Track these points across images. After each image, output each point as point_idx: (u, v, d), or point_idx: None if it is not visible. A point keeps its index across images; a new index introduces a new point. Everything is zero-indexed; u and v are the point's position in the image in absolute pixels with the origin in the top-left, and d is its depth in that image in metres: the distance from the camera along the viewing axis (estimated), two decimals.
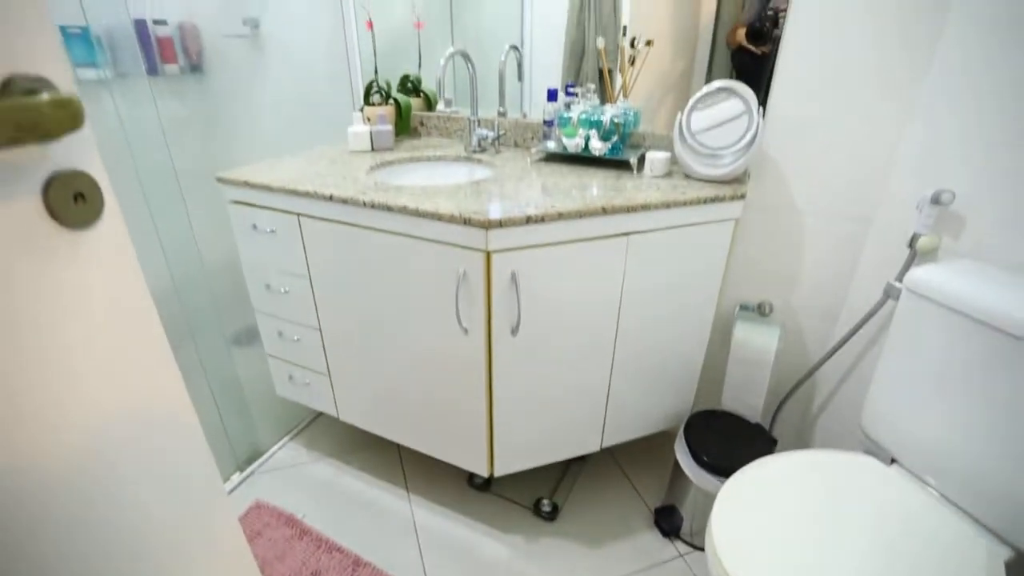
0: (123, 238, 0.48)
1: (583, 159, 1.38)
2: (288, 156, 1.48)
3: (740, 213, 1.17)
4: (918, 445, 0.97)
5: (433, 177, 1.46)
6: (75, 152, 0.43)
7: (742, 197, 1.14)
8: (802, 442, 1.51)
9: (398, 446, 1.68)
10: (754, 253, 1.37)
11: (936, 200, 1.03)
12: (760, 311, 1.40)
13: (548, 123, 1.42)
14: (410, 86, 1.69)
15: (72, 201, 0.42)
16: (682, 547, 1.36)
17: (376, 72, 1.63)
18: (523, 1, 1.46)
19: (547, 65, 1.48)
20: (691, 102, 1.21)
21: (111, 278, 0.47)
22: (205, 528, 0.62)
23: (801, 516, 0.89)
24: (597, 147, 1.30)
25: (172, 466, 0.56)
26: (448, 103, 1.45)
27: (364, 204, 1.09)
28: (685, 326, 1.28)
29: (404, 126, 1.66)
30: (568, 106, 1.38)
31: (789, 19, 1.14)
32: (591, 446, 1.35)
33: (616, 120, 1.29)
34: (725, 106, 1.17)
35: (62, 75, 0.41)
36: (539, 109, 1.52)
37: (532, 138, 1.56)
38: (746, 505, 0.92)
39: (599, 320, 1.17)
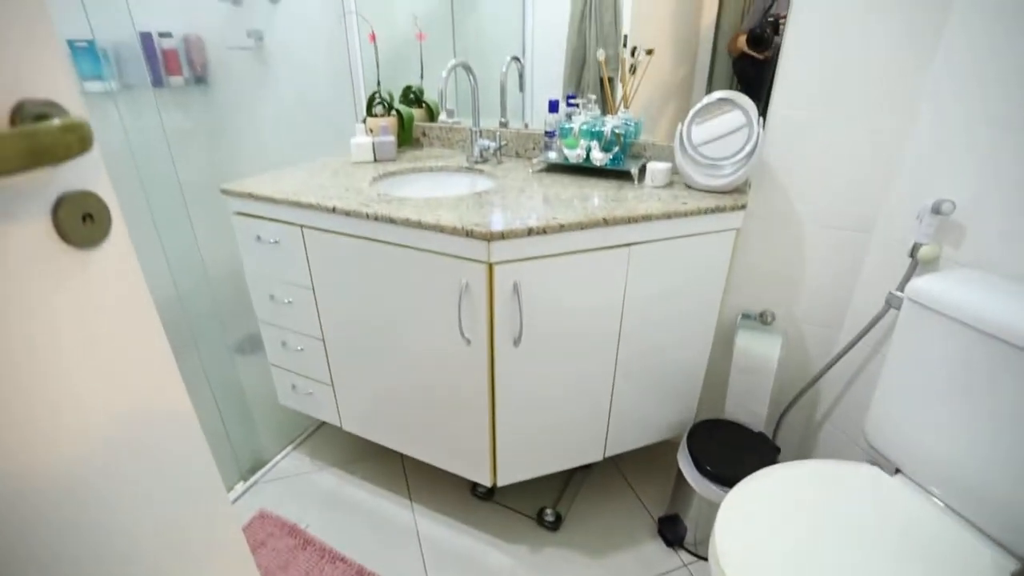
0: (129, 256, 0.49)
1: (584, 169, 1.39)
2: (291, 167, 1.49)
3: (741, 223, 1.17)
4: (922, 455, 0.97)
5: (435, 188, 1.47)
6: (84, 173, 0.43)
7: (743, 207, 1.14)
8: (805, 451, 1.51)
9: (401, 455, 1.68)
10: (755, 262, 1.37)
11: (937, 210, 1.03)
12: (762, 320, 1.40)
13: (549, 134, 1.43)
14: (412, 97, 1.70)
15: (81, 221, 0.43)
16: (686, 557, 1.36)
17: (379, 83, 1.64)
18: (524, 12, 1.47)
19: (548, 75, 1.49)
20: (691, 113, 1.21)
21: (117, 295, 0.48)
22: (208, 538, 0.62)
23: (805, 527, 0.89)
24: (598, 158, 1.30)
25: (175, 476, 0.56)
26: (450, 114, 1.47)
27: (367, 216, 1.10)
28: (687, 335, 1.28)
29: (406, 137, 1.67)
30: (569, 117, 1.39)
31: (789, 27, 1.14)
32: (594, 455, 1.35)
33: (617, 131, 1.29)
34: (725, 119, 1.18)
35: (71, 98, 0.42)
36: (540, 119, 1.53)
37: (533, 148, 1.57)
38: (750, 515, 0.92)
39: (601, 330, 1.17)
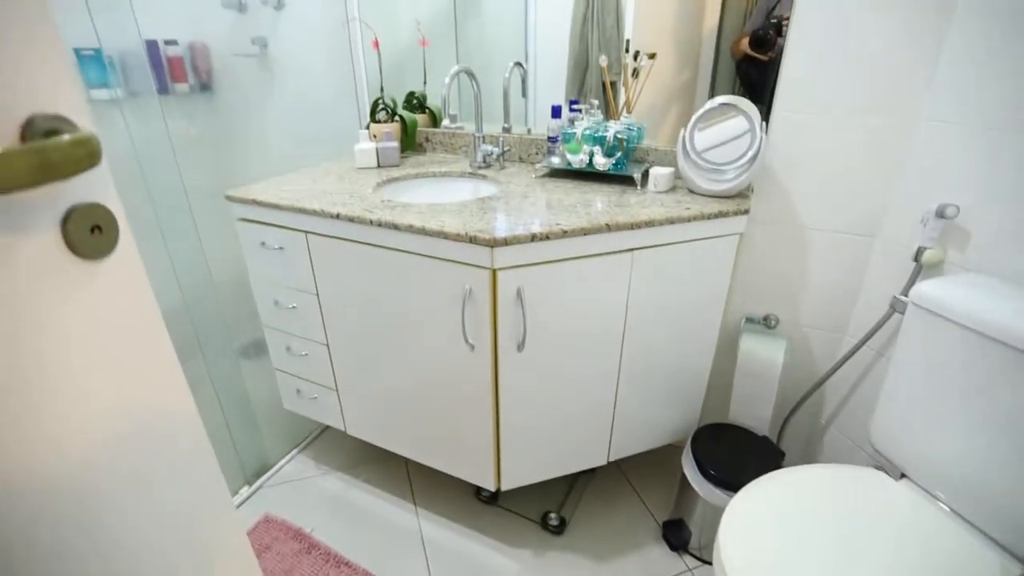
0: (136, 265, 0.49)
1: (587, 174, 1.39)
2: (295, 173, 1.50)
3: (744, 228, 1.17)
4: (928, 460, 0.97)
5: (439, 193, 1.48)
6: (92, 185, 0.44)
7: (746, 212, 1.15)
8: (810, 455, 1.50)
9: (405, 460, 1.68)
10: (759, 266, 1.37)
11: (941, 214, 1.03)
12: (766, 323, 1.40)
13: (552, 139, 1.44)
14: (415, 103, 1.71)
15: (89, 233, 0.44)
16: (690, 561, 1.36)
17: (382, 89, 1.65)
18: (527, 17, 1.48)
19: (551, 80, 1.50)
20: (693, 119, 1.22)
21: (124, 304, 0.48)
22: (213, 542, 0.63)
23: (810, 532, 0.89)
24: (601, 163, 1.31)
25: (180, 480, 0.57)
26: (453, 119, 1.47)
27: (371, 222, 1.10)
28: (691, 339, 1.28)
29: (410, 142, 1.68)
30: (572, 122, 1.39)
31: (792, 30, 1.14)
32: (598, 460, 1.35)
33: (620, 136, 1.30)
34: (728, 124, 1.18)
35: (79, 111, 0.42)
36: (543, 124, 1.53)
37: (536, 153, 1.57)
38: (755, 520, 0.92)
39: (604, 335, 1.17)
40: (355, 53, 1.72)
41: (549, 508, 1.48)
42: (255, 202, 1.26)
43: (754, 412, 1.36)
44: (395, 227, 1.08)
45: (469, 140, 1.65)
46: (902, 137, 1.12)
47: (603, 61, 1.37)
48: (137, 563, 0.52)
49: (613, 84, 1.41)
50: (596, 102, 1.42)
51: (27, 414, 0.41)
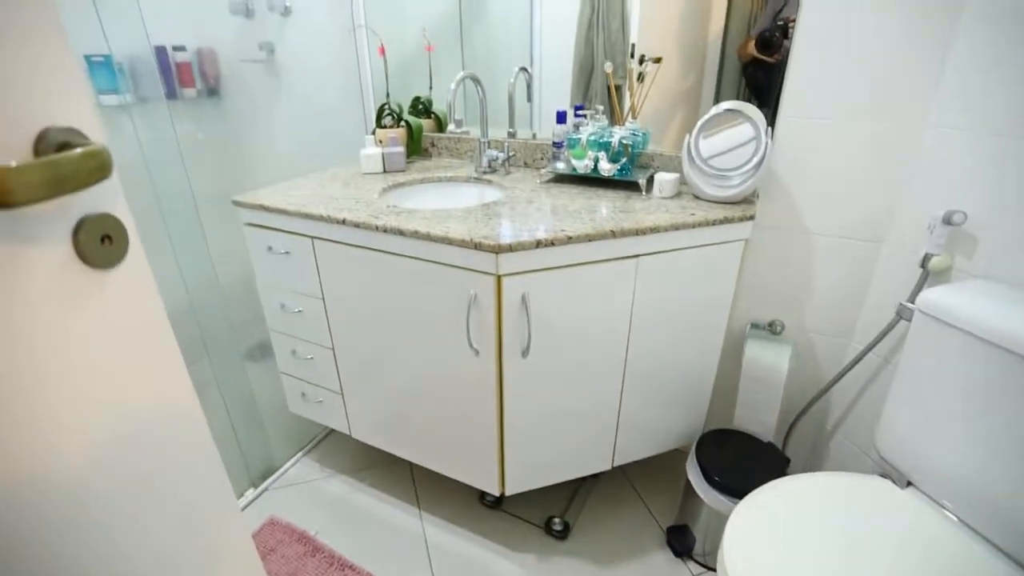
0: (145, 274, 0.50)
1: (592, 180, 1.40)
2: (302, 178, 1.51)
3: (749, 234, 1.17)
4: (934, 468, 0.96)
5: (444, 198, 1.49)
6: (103, 196, 0.44)
7: (751, 218, 1.14)
8: (815, 462, 1.50)
9: (410, 464, 1.68)
10: (764, 272, 1.37)
11: (948, 220, 1.02)
12: (771, 329, 1.40)
13: (557, 144, 1.44)
14: (421, 108, 1.72)
15: (99, 243, 0.44)
16: (694, 567, 1.35)
17: (388, 95, 1.66)
18: (532, 22, 1.48)
19: (556, 85, 1.50)
20: (698, 125, 1.22)
21: (133, 312, 0.49)
22: (219, 544, 0.63)
23: (815, 539, 0.89)
24: (606, 168, 1.31)
25: (186, 482, 0.57)
26: (459, 124, 1.48)
27: (376, 228, 1.11)
28: (696, 345, 1.28)
29: (416, 147, 1.69)
30: (577, 127, 1.39)
31: (797, 34, 1.14)
32: (602, 465, 1.35)
33: (625, 142, 1.30)
34: (733, 131, 1.18)
35: (90, 123, 0.43)
36: (548, 129, 1.53)
37: (541, 158, 1.57)
38: (759, 527, 0.91)
39: (609, 341, 1.17)
40: (361, 59, 1.73)
41: (553, 513, 1.48)
42: (262, 207, 1.27)
43: (759, 418, 1.36)
44: (400, 233, 1.09)
45: (474, 145, 1.66)
46: (908, 143, 1.11)
47: (608, 67, 1.37)
48: (142, 565, 0.53)
49: (618, 89, 1.41)
50: (601, 107, 1.42)
51: (38, 419, 0.41)
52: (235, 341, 1.58)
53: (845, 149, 1.17)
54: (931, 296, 0.94)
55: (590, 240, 1.04)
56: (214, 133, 1.80)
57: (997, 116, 0.96)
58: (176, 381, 0.54)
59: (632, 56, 1.37)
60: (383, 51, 1.63)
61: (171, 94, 1.67)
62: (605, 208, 1.18)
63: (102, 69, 1.44)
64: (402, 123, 1.65)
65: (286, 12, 1.71)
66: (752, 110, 1.16)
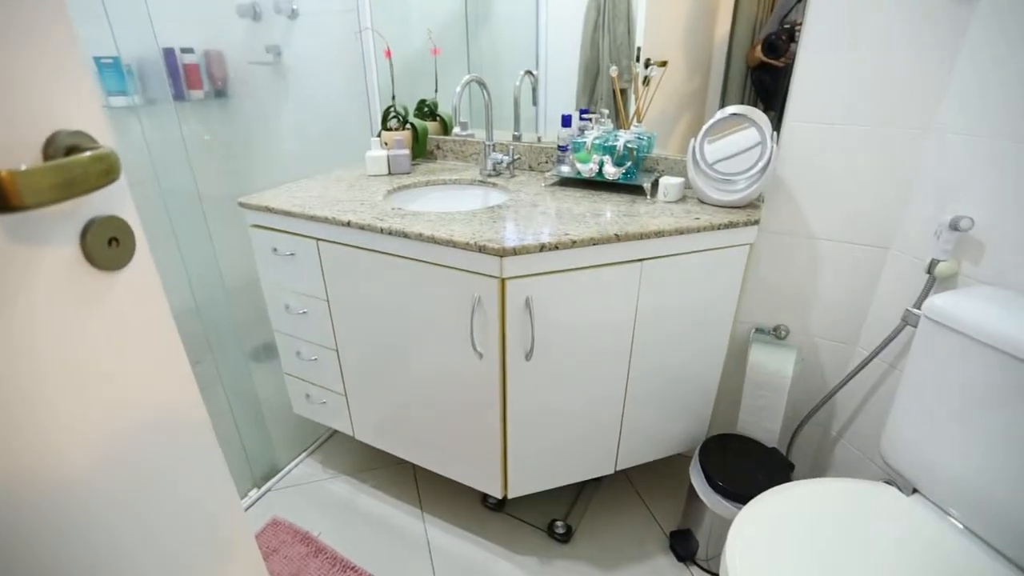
0: (152, 276, 0.50)
1: (597, 183, 1.40)
2: (307, 180, 1.51)
3: (754, 238, 1.17)
4: (940, 475, 0.95)
5: (449, 201, 1.49)
6: (110, 198, 0.45)
7: (756, 222, 1.14)
8: (820, 468, 1.49)
9: (413, 465, 1.68)
10: (769, 277, 1.36)
11: (955, 226, 1.02)
12: (776, 334, 1.39)
13: (562, 148, 1.44)
14: (427, 110, 1.72)
15: (107, 245, 0.45)
16: (697, 572, 1.35)
17: (393, 97, 1.66)
18: (538, 25, 1.48)
19: (561, 88, 1.50)
20: (704, 129, 1.21)
21: (140, 313, 0.49)
22: (222, 544, 0.64)
23: (819, 546, 0.88)
24: (611, 172, 1.31)
25: (190, 482, 0.57)
26: (464, 127, 1.48)
27: (381, 231, 1.11)
28: (700, 350, 1.27)
29: (421, 150, 1.69)
30: (582, 131, 1.40)
31: (804, 37, 1.14)
32: (605, 469, 1.35)
33: (630, 145, 1.30)
34: (739, 136, 1.18)
35: (99, 126, 0.43)
36: (553, 132, 1.54)
37: (546, 162, 1.57)
38: (763, 533, 0.91)
39: (613, 345, 1.17)
40: (367, 61, 1.74)
41: (556, 516, 1.48)
42: (267, 209, 1.28)
43: (763, 423, 1.35)
44: (405, 235, 1.09)
45: (479, 148, 1.66)
46: (915, 147, 1.11)
47: (613, 71, 1.37)
48: (145, 564, 0.53)
49: (623, 92, 1.41)
50: (606, 111, 1.42)
51: (42, 419, 0.42)
52: (240, 342, 1.58)
53: (851, 153, 1.17)
54: (937, 302, 0.93)
55: (594, 244, 1.04)
56: (221, 135, 1.82)
57: (1005, 121, 0.96)
58: (181, 382, 0.55)
59: (638, 59, 1.37)
60: (389, 54, 1.64)
61: (179, 96, 1.68)
62: (610, 212, 1.18)
63: (111, 71, 1.45)
64: (407, 126, 1.65)
65: (293, 15, 1.72)
66: (758, 114, 1.16)
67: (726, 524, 0.96)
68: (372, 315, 1.26)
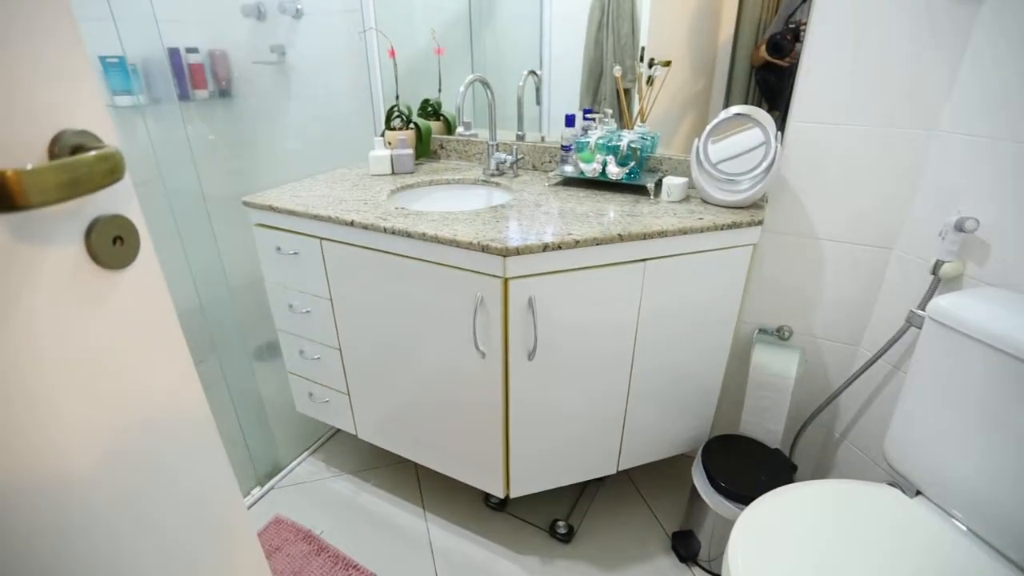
0: (156, 275, 0.51)
1: (600, 183, 1.39)
2: (311, 179, 1.52)
3: (758, 238, 1.16)
4: (944, 478, 0.95)
5: (452, 201, 1.49)
6: (115, 197, 0.45)
7: (760, 223, 1.14)
8: (823, 470, 1.48)
9: (415, 464, 1.69)
10: (773, 277, 1.36)
11: (960, 227, 1.01)
12: (779, 335, 1.39)
13: (566, 148, 1.44)
14: (430, 110, 1.72)
15: (111, 244, 0.45)
16: (699, 573, 1.34)
17: (397, 97, 1.67)
18: (542, 25, 1.48)
19: (565, 88, 1.50)
20: (708, 129, 1.21)
21: (144, 312, 0.49)
22: (224, 542, 0.64)
23: (821, 548, 0.88)
24: (614, 172, 1.31)
25: (193, 480, 0.58)
26: (467, 127, 1.48)
27: (384, 230, 1.11)
28: (703, 350, 1.27)
29: (424, 149, 1.70)
30: (586, 131, 1.39)
31: (808, 37, 1.13)
32: (607, 469, 1.35)
33: (633, 145, 1.30)
34: (743, 136, 1.17)
35: (104, 125, 0.44)
36: (557, 132, 1.53)
37: (550, 161, 1.57)
38: (765, 534, 0.91)
39: (616, 345, 1.17)
40: (371, 61, 1.74)
41: (557, 516, 1.48)
42: (271, 208, 1.28)
43: (766, 424, 1.35)
44: (408, 235, 1.09)
45: (483, 148, 1.66)
46: (920, 148, 1.10)
47: (617, 71, 1.37)
48: (147, 563, 0.53)
49: (627, 92, 1.41)
50: (610, 111, 1.42)
51: (46, 417, 0.42)
52: (243, 341, 1.59)
53: (856, 154, 1.17)
54: (942, 303, 0.93)
55: (597, 244, 1.04)
56: (225, 134, 1.82)
57: (1011, 121, 0.95)
58: (184, 380, 0.55)
59: (641, 59, 1.36)
60: (393, 53, 1.64)
61: (183, 95, 1.69)
62: (613, 212, 1.18)
63: (116, 70, 1.46)
64: (411, 125, 1.65)
65: (297, 15, 1.72)
66: (762, 114, 1.16)
67: (728, 525, 0.95)
68: (375, 314, 1.26)
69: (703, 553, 1.34)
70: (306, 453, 1.76)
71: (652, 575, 1.34)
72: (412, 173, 1.57)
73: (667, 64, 1.33)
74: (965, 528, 0.92)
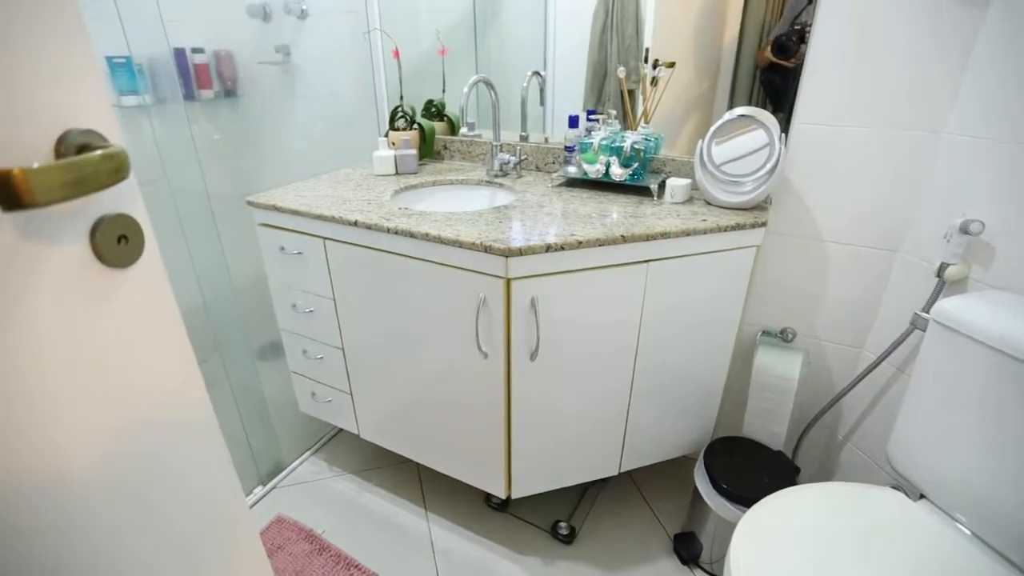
0: (160, 273, 0.51)
1: (604, 184, 1.39)
2: (315, 179, 1.52)
3: (761, 240, 1.16)
4: (948, 481, 0.95)
5: (455, 201, 1.49)
6: (120, 196, 0.45)
7: (763, 224, 1.13)
8: (826, 472, 1.48)
9: (417, 465, 1.69)
10: (776, 279, 1.36)
11: (965, 230, 1.01)
12: (783, 337, 1.39)
13: (569, 149, 1.44)
14: (434, 111, 1.73)
15: (116, 242, 0.45)
16: (701, 575, 1.34)
17: (401, 97, 1.67)
18: (546, 26, 1.48)
19: (569, 89, 1.50)
20: (712, 130, 1.21)
21: (148, 311, 0.50)
22: (226, 541, 0.64)
23: (824, 551, 0.88)
24: (618, 173, 1.31)
25: (195, 479, 0.58)
26: (471, 127, 1.48)
27: (388, 230, 1.12)
28: (705, 351, 1.27)
29: (428, 150, 1.70)
30: (589, 132, 1.39)
31: (813, 38, 1.13)
32: (609, 470, 1.35)
33: (637, 147, 1.29)
34: (746, 138, 1.17)
35: (109, 125, 0.44)
36: (561, 133, 1.53)
37: (553, 162, 1.57)
38: (767, 537, 0.91)
39: (618, 346, 1.17)
40: (376, 62, 1.75)
41: (559, 517, 1.48)
42: (275, 208, 1.29)
43: (769, 426, 1.35)
44: (411, 235, 1.09)
45: (486, 148, 1.66)
46: (925, 150, 1.10)
47: (621, 72, 1.37)
48: (148, 562, 0.53)
49: (631, 93, 1.41)
50: (614, 111, 1.42)
51: (49, 415, 0.42)
52: (247, 340, 1.59)
53: (860, 156, 1.16)
54: (946, 306, 0.92)
55: (600, 245, 1.04)
56: (230, 134, 1.83)
57: (1016, 124, 0.95)
58: (188, 379, 0.55)
59: (646, 60, 1.36)
60: (397, 54, 1.64)
61: (189, 95, 1.70)
62: (616, 213, 1.18)
63: (123, 70, 1.47)
64: (415, 126, 1.66)
65: (303, 15, 1.73)
66: (766, 116, 1.16)
67: (730, 527, 0.95)
68: (378, 314, 1.26)
69: (705, 555, 1.33)
70: (308, 452, 1.76)
71: None
72: (416, 173, 1.58)
73: (671, 65, 1.33)
74: (969, 532, 0.91)
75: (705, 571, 1.35)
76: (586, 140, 1.36)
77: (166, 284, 0.51)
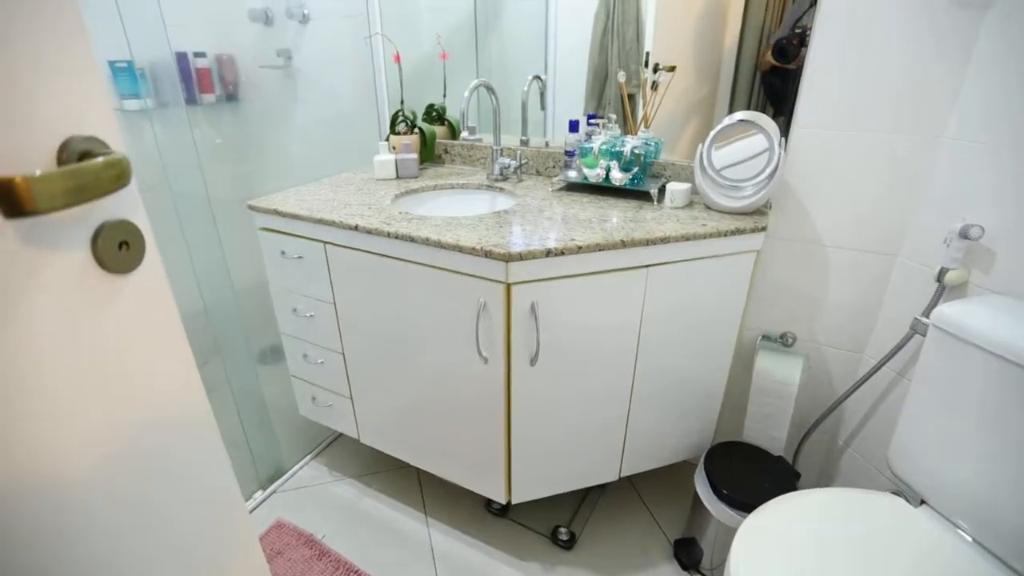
0: (161, 279, 0.51)
1: (604, 189, 1.40)
2: (316, 183, 1.52)
3: (761, 245, 1.16)
4: (949, 487, 0.94)
5: (456, 205, 1.49)
6: (121, 203, 0.45)
7: (763, 229, 1.14)
8: (826, 477, 1.48)
9: (417, 469, 1.69)
10: (776, 284, 1.36)
11: (965, 234, 1.01)
12: (783, 341, 1.39)
13: (569, 153, 1.44)
14: (435, 115, 1.73)
15: (117, 248, 0.45)
16: None
17: (402, 102, 1.68)
18: (547, 30, 1.49)
19: (570, 93, 1.51)
20: (712, 135, 1.21)
21: (148, 316, 0.50)
22: (225, 546, 0.64)
23: (824, 556, 0.87)
24: (618, 178, 1.31)
25: (194, 483, 0.58)
26: (472, 131, 1.48)
27: (388, 235, 1.12)
28: (705, 357, 1.27)
29: (429, 154, 1.70)
30: (589, 136, 1.40)
31: (813, 41, 1.13)
32: (609, 475, 1.34)
33: (637, 151, 1.30)
34: (746, 143, 1.17)
35: (111, 131, 0.44)
36: (561, 137, 1.54)
37: (553, 167, 1.58)
38: (768, 542, 0.90)
39: (618, 351, 1.17)
40: (377, 66, 1.75)
41: (559, 522, 1.48)
42: (276, 212, 1.29)
43: (769, 431, 1.34)
44: (412, 240, 1.09)
45: (487, 152, 1.67)
46: (925, 154, 1.10)
47: (621, 76, 1.37)
48: (148, 565, 0.53)
49: (631, 97, 1.41)
50: (614, 116, 1.42)
51: (49, 420, 0.42)
52: (247, 344, 1.59)
53: (860, 160, 1.16)
54: (946, 311, 0.92)
55: (600, 249, 1.04)
56: (231, 138, 1.83)
57: (1016, 129, 0.95)
58: (188, 383, 0.55)
59: (646, 64, 1.37)
60: (398, 58, 1.65)
61: (191, 99, 1.70)
62: (616, 217, 1.18)
63: (124, 75, 1.47)
64: (416, 130, 1.66)
65: (304, 20, 1.74)
66: (766, 121, 1.16)
67: (731, 533, 0.95)
68: (378, 319, 1.26)
69: (705, 561, 1.33)
70: (308, 457, 1.76)
71: None
72: (416, 178, 1.58)
73: (671, 69, 1.33)
74: (970, 538, 0.91)
75: None
76: (586, 144, 1.36)
77: (167, 289, 0.51)
